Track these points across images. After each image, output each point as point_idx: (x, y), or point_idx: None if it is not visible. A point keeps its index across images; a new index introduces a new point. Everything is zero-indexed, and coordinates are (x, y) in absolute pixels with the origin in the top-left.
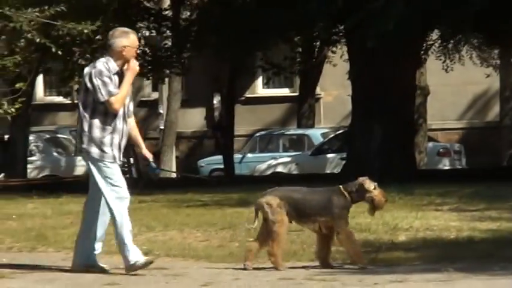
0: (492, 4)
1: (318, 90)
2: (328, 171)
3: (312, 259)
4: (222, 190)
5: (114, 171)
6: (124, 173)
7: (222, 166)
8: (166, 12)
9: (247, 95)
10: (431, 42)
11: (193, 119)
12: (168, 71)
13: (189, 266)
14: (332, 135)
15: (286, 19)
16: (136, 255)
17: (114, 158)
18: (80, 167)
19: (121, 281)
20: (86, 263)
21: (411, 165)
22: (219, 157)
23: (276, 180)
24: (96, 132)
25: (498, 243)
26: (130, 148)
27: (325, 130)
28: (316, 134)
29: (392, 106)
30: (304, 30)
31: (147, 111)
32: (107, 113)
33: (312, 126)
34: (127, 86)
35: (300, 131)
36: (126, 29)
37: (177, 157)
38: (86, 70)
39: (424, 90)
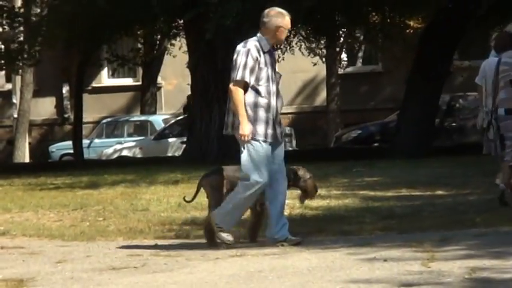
0: (319, 0)
1: (159, 79)
2: (169, 154)
3: (158, 236)
4: (73, 174)
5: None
6: None
7: (71, 151)
8: (19, 9)
9: (94, 84)
10: None
11: (45, 108)
12: (20, 63)
13: (44, 245)
14: (173, 121)
15: (130, 14)
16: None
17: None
18: None
19: None
20: None
21: None
22: (69, 142)
23: (121, 163)
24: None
25: (328, 219)
26: None
27: (167, 116)
28: (158, 120)
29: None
30: (147, 24)
31: (1, 101)
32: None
33: (154, 112)
34: None
35: (143, 118)
36: (282, 10)
37: (29, 143)
38: (237, 47)
39: None
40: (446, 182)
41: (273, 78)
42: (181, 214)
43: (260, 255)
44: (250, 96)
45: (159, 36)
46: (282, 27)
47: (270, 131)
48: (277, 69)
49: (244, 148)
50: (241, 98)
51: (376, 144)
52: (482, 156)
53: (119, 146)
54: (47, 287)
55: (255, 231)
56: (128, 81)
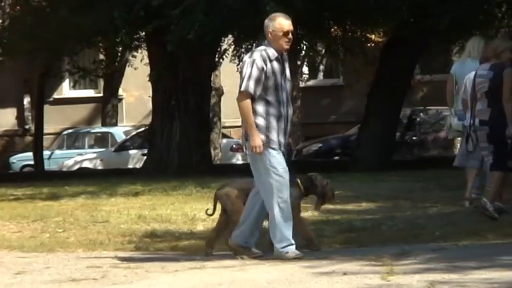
0: (282, 12)
1: (120, 91)
2: (130, 166)
3: (118, 248)
4: (33, 185)
5: None
6: None
7: (32, 162)
8: None
9: (56, 96)
10: (225, 47)
11: (6, 119)
12: None
13: (3, 256)
14: (134, 133)
15: (92, 26)
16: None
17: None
18: None
19: None
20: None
21: (207, 160)
22: (30, 154)
23: (82, 175)
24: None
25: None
26: None
27: (128, 128)
28: (119, 131)
29: (189, 106)
30: (109, 36)
31: None
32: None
33: (115, 124)
34: None
35: (104, 129)
36: (277, 13)
37: None
38: (244, 57)
39: (218, 91)
40: (406, 196)
41: (282, 87)
42: (141, 226)
43: (220, 267)
44: (260, 106)
45: (120, 48)
46: (273, 31)
47: (282, 140)
48: (289, 77)
49: (258, 161)
50: (248, 109)
51: (336, 158)
52: (442, 170)
53: (79, 158)
54: None
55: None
56: (89, 93)
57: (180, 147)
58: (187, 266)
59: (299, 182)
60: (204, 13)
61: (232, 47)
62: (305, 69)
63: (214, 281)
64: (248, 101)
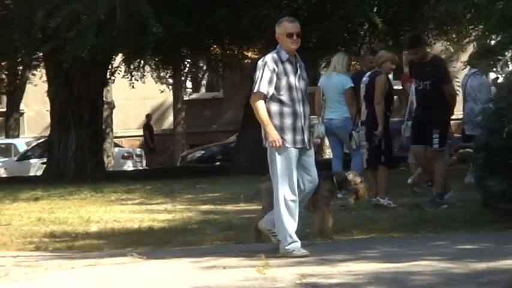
0: (166, 33)
1: (22, 106)
2: (31, 174)
3: (19, 248)
4: None
5: None
6: None
7: None
8: None
9: None
10: (116, 65)
11: None
12: None
13: None
14: (34, 144)
15: None
16: None
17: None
18: None
19: None
20: None
21: (101, 167)
22: None
23: None
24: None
25: (173, 231)
26: None
27: (29, 139)
28: (21, 143)
29: (84, 119)
30: (10, 56)
31: None
32: None
33: (17, 136)
34: None
35: (7, 141)
36: (284, 17)
37: None
38: (258, 62)
39: (110, 104)
40: None
41: (296, 86)
42: (41, 228)
43: (111, 263)
44: (274, 106)
45: (21, 67)
46: (280, 34)
47: (298, 137)
48: (304, 77)
49: (274, 157)
50: (262, 108)
51: (218, 163)
52: None
53: None
54: None
55: (323, 230)
56: None
57: (76, 156)
58: (82, 264)
59: (334, 177)
60: (95, 34)
61: (123, 64)
62: (188, 84)
63: (107, 277)
64: (261, 102)
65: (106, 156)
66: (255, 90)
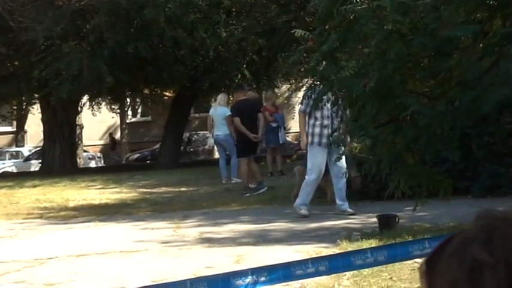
0: (115, 82)
1: (26, 127)
2: (32, 170)
3: (24, 218)
4: None
5: None
6: None
7: None
8: None
9: None
10: (84, 101)
11: None
12: None
13: None
14: (34, 151)
15: (6, 94)
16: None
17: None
18: None
19: None
20: None
21: (75, 166)
22: None
23: None
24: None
25: (120, 205)
26: None
27: (30, 148)
28: (25, 150)
29: (64, 135)
30: (17, 97)
31: None
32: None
33: (23, 145)
34: None
35: (16, 149)
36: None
37: None
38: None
39: (81, 126)
40: (187, 183)
41: (327, 106)
42: (38, 205)
43: (83, 227)
44: (311, 119)
45: (24, 104)
46: None
47: (324, 141)
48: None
49: (308, 154)
50: (302, 122)
51: (148, 161)
52: (207, 167)
53: None
54: None
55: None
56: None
57: (60, 158)
58: (64, 227)
59: None
60: (71, 83)
61: (88, 101)
62: (129, 112)
63: (80, 235)
64: (304, 118)
65: (78, 158)
66: (301, 110)
